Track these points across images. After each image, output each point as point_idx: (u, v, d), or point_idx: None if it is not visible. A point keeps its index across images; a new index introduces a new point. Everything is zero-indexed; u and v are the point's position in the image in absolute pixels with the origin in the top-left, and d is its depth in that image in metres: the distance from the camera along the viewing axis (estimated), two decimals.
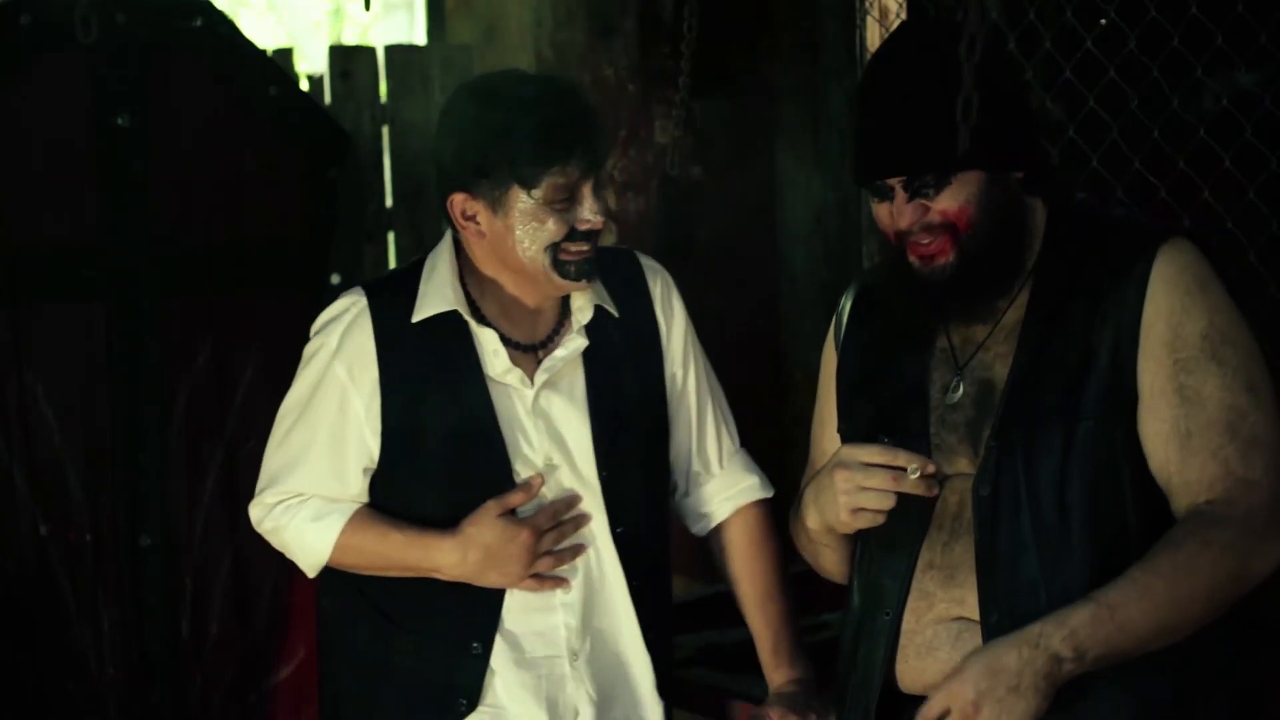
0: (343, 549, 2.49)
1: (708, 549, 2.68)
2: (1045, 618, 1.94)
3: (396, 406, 2.45)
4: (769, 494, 2.63)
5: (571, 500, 2.44)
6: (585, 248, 2.40)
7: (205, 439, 3.91)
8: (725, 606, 2.96)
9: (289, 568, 4.02)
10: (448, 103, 2.47)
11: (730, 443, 2.62)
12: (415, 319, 2.45)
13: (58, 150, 3.76)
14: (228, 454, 3.94)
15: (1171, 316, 1.98)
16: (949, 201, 2.06)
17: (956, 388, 2.11)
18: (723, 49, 4.03)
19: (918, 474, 2.06)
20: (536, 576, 2.42)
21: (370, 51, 4.49)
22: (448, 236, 2.52)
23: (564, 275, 2.40)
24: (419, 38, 5.22)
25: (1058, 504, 2.00)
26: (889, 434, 2.14)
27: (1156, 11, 3.04)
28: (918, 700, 2.06)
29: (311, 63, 6.67)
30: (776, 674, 2.59)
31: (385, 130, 4.46)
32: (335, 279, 4.04)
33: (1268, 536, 1.94)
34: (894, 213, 2.09)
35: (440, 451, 2.45)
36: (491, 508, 2.40)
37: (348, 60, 4.44)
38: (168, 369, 3.87)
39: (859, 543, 2.23)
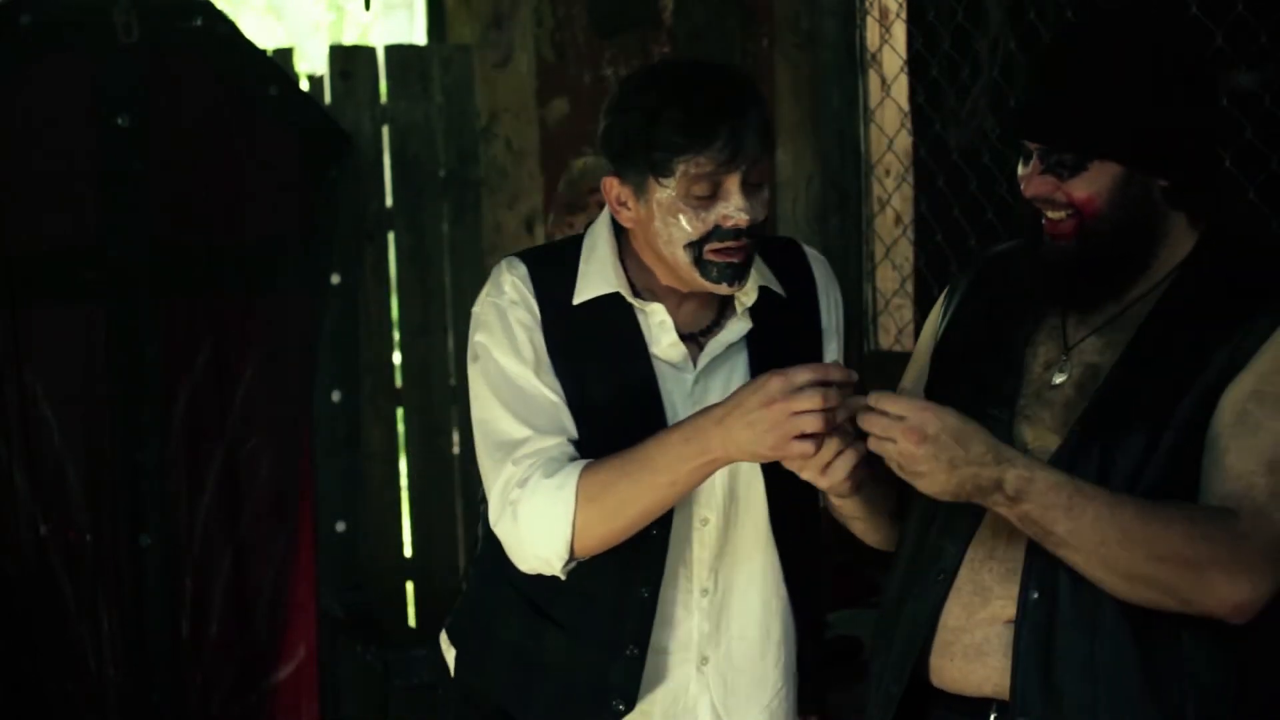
0: (592, 496, 2.18)
1: None
2: (1027, 456, 1.92)
3: (561, 381, 2.30)
4: None
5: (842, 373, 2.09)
6: (732, 246, 2.22)
7: (205, 439, 3.92)
8: None
9: (289, 567, 4.05)
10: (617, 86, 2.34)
11: None
12: (577, 301, 2.32)
13: (58, 150, 3.76)
14: (228, 454, 3.94)
15: None
16: (1080, 188, 2.01)
17: (1063, 367, 2.09)
18: (721, 48, 4.02)
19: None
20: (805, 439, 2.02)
21: (370, 51, 4.49)
22: (606, 216, 2.38)
23: (706, 277, 2.24)
24: (419, 38, 5.22)
25: None
26: (979, 399, 2.09)
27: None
28: (953, 699, 2.05)
29: (311, 63, 6.67)
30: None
31: (385, 130, 4.46)
32: (335, 279, 4.04)
33: (1242, 569, 1.87)
34: (1025, 178, 2.06)
35: (602, 429, 2.26)
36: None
37: (348, 60, 4.44)
38: (168, 369, 3.87)
39: (917, 505, 2.15)
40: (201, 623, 3.93)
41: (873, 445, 1.94)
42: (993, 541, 2.05)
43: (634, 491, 2.17)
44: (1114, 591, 1.93)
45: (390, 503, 4.50)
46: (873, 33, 3.79)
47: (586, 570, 2.26)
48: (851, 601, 3.22)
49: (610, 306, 2.33)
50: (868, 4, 3.80)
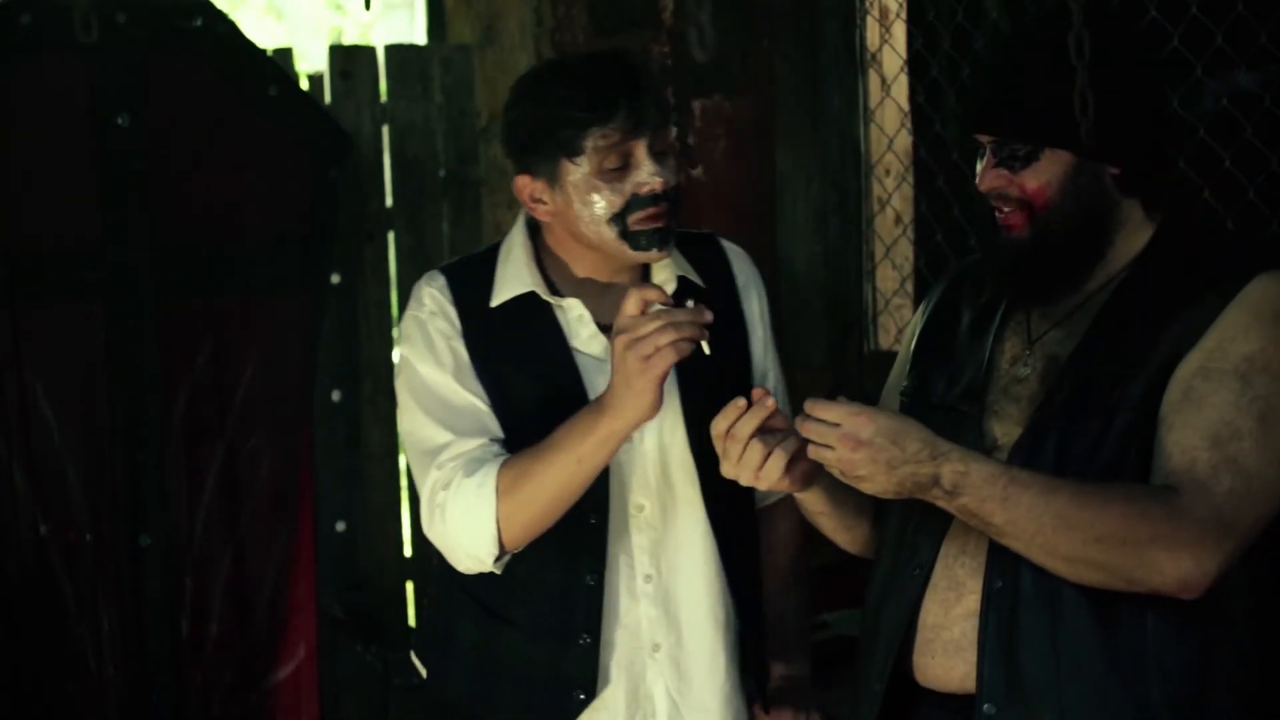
0: (508, 488, 2.25)
1: None
2: (962, 448, 1.93)
3: (485, 385, 2.37)
4: None
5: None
6: (654, 212, 2.29)
7: (205, 439, 3.91)
8: None
9: (289, 568, 4.05)
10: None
11: None
12: (494, 303, 2.40)
13: (58, 150, 3.76)
14: (228, 454, 3.94)
15: (1227, 331, 1.93)
16: (1031, 178, 2.04)
17: (1027, 361, 2.10)
18: (723, 48, 4.03)
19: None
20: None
21: (370, 51, 4.48)
22: (521, 220, 2.46)
23: (635, 246, 2.30)
24: (419, 38, 5.21)
25: None
26: (947, 392, 2.14)
27: (1156, 11, 3.04)
28: (941, 696, 2.06)
29: (311, 63, 6.67)
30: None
31: (385, 130, 4.46)
32: (335, 279, 4.04)
33: (1183, 546, 1.88)
34: (980, 174, 2.09)
35: (532, 427, 2.31)
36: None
37: (348, 60, 4.44)
38: (168, 369, 3.87)
39: (894, 505, 2.17)
40: (201, 623, 3.92)
41: (811, 453, 1.96)
42: (964, 537, 2.07)
43: (546, 476, 2.22)
44: (1063, 575, 1.94)
45: (390, 503, 4.49)
46: (873, 33, 3.80)
47: (533, 564, 2.33)
48: (850, 602, 3.22)
49: (528, 306, 2.39)
50: (868, 4, 3.81)
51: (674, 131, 2.36)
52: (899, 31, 3.74)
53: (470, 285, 2.42)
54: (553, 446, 2.23)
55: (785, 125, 3.95)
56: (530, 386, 2.37)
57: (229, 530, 3.94)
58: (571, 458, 2.21)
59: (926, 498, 1.94)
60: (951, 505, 1.94)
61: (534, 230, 2.45)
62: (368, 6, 4.67)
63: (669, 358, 2.09)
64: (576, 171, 2.28)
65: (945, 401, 2.15)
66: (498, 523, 2.26)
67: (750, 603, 2.51)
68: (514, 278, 2.40)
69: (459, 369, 2.37)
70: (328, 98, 4.36)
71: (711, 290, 2.44)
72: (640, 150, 2.27)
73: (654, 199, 2.28)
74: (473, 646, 2.46)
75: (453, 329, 2.39)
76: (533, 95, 2.32)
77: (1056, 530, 1.90)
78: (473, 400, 2.36)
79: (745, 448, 2.02)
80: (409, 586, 4.54)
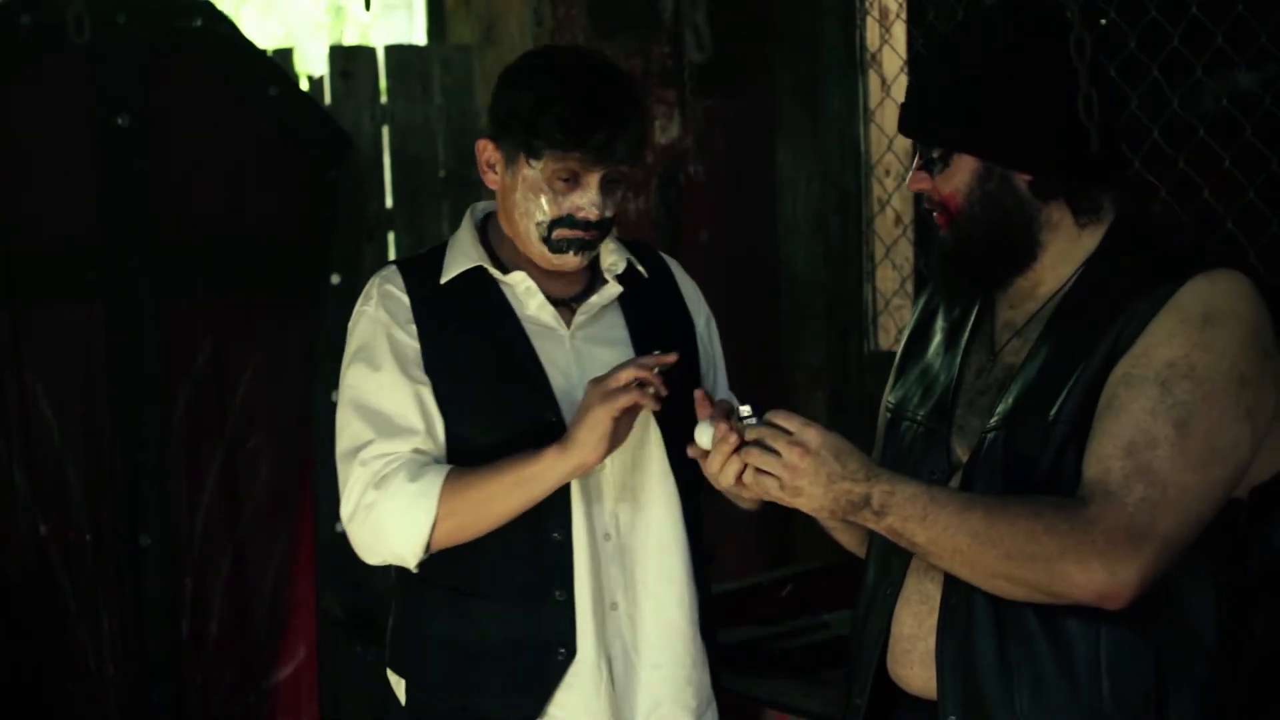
0: (451, 498, 2.37)
1: None
2: (895, 473, 1.98)
3: (437, 360, 2.45)
4: None
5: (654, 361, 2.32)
6: (580, 235, 2.41)
7: (205, 439, 3.91)
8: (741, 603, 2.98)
9: (289, 567, 4.05)
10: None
11: None
12: (443, 280, 2.48)
13: (58, 150, 3.76)
14: (228, 454, 3.94)
15: (1153, 338, 1.93)
16: (944, 183, 2.09)
17: (989, 372, 2.11)
18: (723, 48, 4.03)
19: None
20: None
21: (370, 51, 4.49)
22: (468, 213, 2.57)
23: (553, 251, 2.42)
24: (419, 38, 5.22)
25: None
26: (919, 408, 2.17)
27: (1156, 11, 3.04)
28: (923, 703, 2.08)
29: (311, 63, 6.68)
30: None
31: (385, 130, 4.47)
32: (335, 279, 4.04)
33: (1091, 556, 1.88)
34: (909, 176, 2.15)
35: (486, 397, 2.43)
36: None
37: (348, 60, 4.45)
38: (168, 369, 3.87)
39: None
40: (201, 623, 3.93)
41: (754, 459, 1.99)
42: None
43: (493, 499, 2.37)
44: (990, 591, 1.97)
45: None
46: (873, 33, 3.79)
47: (500, 529, 2.39)
48: (850, 602, 3.22)
49: (477, 281, 2.49)
50: (868, 4, 3.80)
51: (631, 166, 2.46)
52: (899, 31, 3.74)
53: (420, 270, 2.51)
54: (504, 470, 2.35)
55: (785, 125, 3.95)
56: (484, 357, 2.45)
57: (229, 530, 3.94)
58: (519, 486, 2.35)
59: (857, 519, 1.98)
60: (880, 526, 1.97)
61: (485, 219, 2.56)
62: (368, 7, 4.67)
63: (623, 401, 2.27)
64: (530, 171, 2.39)
65: (917, 418, 2.17)
66: (433, 530, 2.37)
67: (705, 581, 2.55)
68: (461, 255, 2.50)
69: (402, 361, 2.45)
70: (328, 98, 4.37)
71: (653, 282, 2.56)
72: (593, 179, 2.38)
73: (585, 224, 2.40)
74: (448, 634, 2.50)
75: (402, 313, 2.47)
76: (526, 84, 2.40)
77: (972, 548, 1.93)
78: (406, 399, 2.43)
79: (725, 462, 2.05)
80: None
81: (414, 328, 2.45)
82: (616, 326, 2.51)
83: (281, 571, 4.01)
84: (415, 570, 2.45)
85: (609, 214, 2.42)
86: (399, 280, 2.49)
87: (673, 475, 2.48)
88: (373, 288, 2.50)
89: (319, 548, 4.04)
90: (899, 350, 2.34)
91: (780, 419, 1.98)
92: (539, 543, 2.42)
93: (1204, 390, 1.90)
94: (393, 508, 2.38)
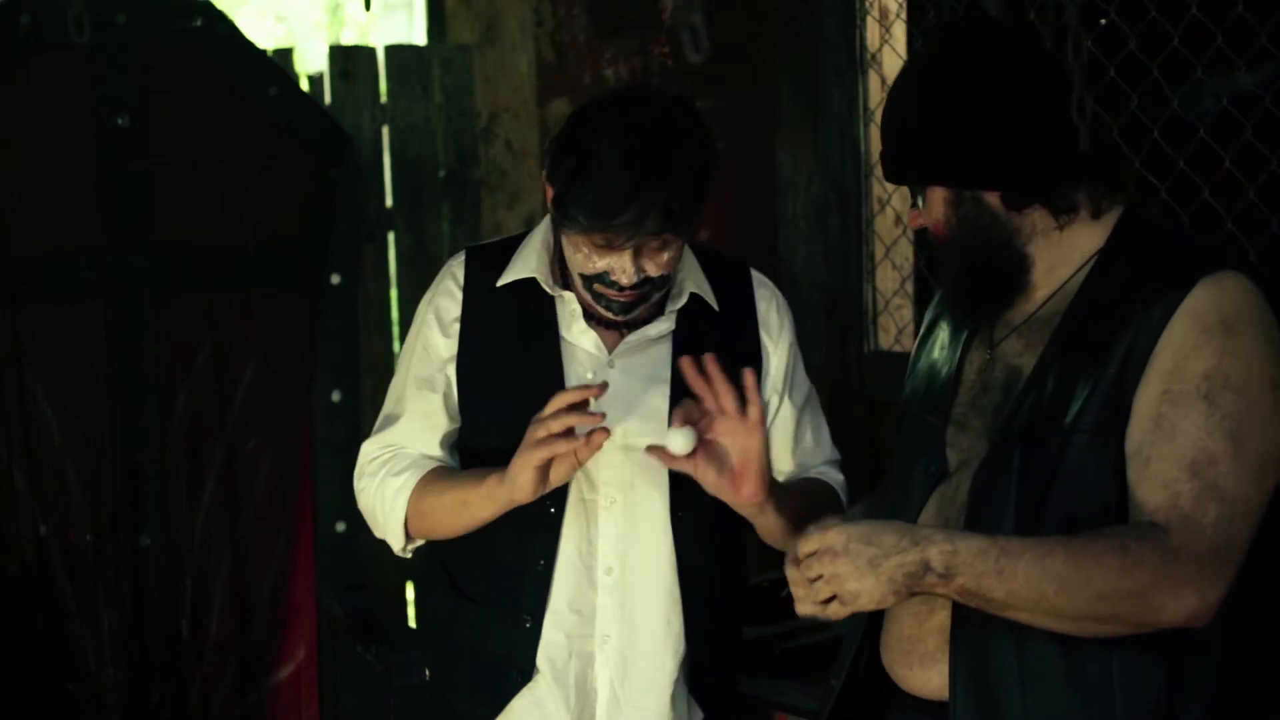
0: (417, 500, 2.45)
1: None
2: (943, 529, 1.94)
3: (472, 360, 2.47)
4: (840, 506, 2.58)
5: (581, 394, 2.26)
6: (616, 297, 2.36)
7: (205, 439, 3.92)
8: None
9: (289, 567, 4.05)
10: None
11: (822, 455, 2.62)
12: (500, 283, 2.48)
13: (57, 150, 3.76)
14: (228, 454, 3.94)
15: (1180, 349, 1.92)
16: (926, 214, 2.12)
17: (990, 370, 2.12)
18: (722, 48, 4.02)
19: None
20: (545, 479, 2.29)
21: (370, 51, 4.49)
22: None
23: (597, 302, 2.39)
24: (419, 38, 5.22)
25: (1037, 510, 1.98)
26: (922, 403, 2.19)
27: (1156, 11, 3.04)
28: (924, 703, 2.09)
29: (311, 63, 6.67)
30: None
31: (385, 130, 4.46)
32: (335, 279, 4.04)
33: (1184, 583, 1.88)
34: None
35: (502, 412, 2.42)
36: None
37: (348, 60, 4.44)
38: (168, 369, 3.87)
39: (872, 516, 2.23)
40: (201, 623, 3.93)
41: (806, 596, 1.96)
42: None
43: (443, 510, 2.42)
44: (1072, 634, 1.95)
45: None
46: (873, 33, 3.79)
47: (494, 542, 2.43)
48: None
49: (532, 291, 2.48)
50: (868, 4, 3.80)
51: (677, 233, 2.36)
52: (899, 31, 3.74)
53: (488, 263, 2.51)
54: (458, 487, 2.40)
55: (785, 125, 3.95)
56: (514, 373, 2.45)
57: (229, 530, 3.94)
58: (465, 507, 2.38)
59: (923, 588, 1.93)
60: (950, 589, 1.92)
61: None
62: (367, 7, 4.67)
63: (544, 453, 2.23)
64: (569, 228, 2.34)
65: (918, 412, 2.19)
66: (406, 527, 2.48)
67: (705, 621, 2.52)
68: (524, 262, 2.48)
69: (428, 370, 2.49)
70: (328, 98, 4.37)
71: (724, 315, 2.49)
72: (625, 253, 2.31)
73: (619, 287, 2.34)
74: (442, 622, 2.57)
75: (449, 313, 2.49)
76: (567, 148, 2.32)
77: (1059, 594, 1.89)
78: (416, 413, 2.49)
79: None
80: (409, 586, 4.54)
81: (457, 327, 2.48)
82: (662, 365, 2.45)
83: (281, 571, 4.02)
84: (409, 555, 2.54)
85: (651, 274, 2.34)
86: (461, 275, 2.50)
87: (671, 523, 2.46)
88: (443, 276, 2.53)
89: (319, 548, 4.04)
90: (914, 347, 2.37)
91: (801, 546, 1.95)
92: (522, 566, 2.44)
93: (1245, 399, 1.91)
94: (375, 499, 2.51)
